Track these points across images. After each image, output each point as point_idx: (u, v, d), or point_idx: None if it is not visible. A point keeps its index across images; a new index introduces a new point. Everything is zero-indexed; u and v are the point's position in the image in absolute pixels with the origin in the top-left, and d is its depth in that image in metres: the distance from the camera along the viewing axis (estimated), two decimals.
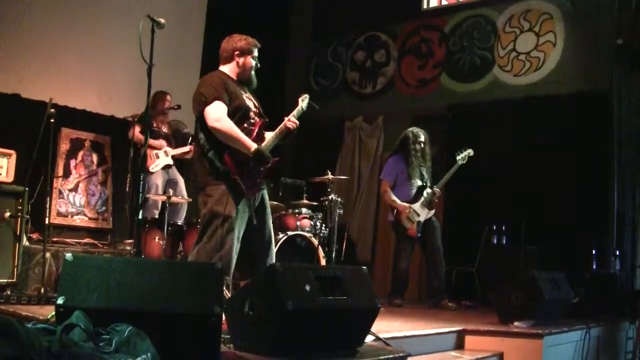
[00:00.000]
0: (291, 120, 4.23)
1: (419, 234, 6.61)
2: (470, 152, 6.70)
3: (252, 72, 4.33)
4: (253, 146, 4.01)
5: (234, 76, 4.26)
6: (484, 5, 8.68)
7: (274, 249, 4.32)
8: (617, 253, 6.97)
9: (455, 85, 8.73)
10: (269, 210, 4.34)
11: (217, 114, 3.99)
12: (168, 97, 6.81)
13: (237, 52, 4.25)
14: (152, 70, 4.02)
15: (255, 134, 4.15)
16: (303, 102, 4.36)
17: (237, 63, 4.26)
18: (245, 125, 4.13)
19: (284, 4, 10.24)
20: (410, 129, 6.92)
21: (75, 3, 7.43)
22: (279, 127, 4.25)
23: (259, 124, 4.20)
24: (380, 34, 9.60)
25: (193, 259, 4.03)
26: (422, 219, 6.61)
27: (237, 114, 4.11)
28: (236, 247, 4.02)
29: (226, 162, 4.01)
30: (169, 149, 6.75)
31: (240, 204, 4.05)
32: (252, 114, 4.21)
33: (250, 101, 4.26)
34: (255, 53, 4.30)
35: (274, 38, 9.75)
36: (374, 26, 9.65)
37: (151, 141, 6.55)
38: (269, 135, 4.27)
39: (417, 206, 6.61)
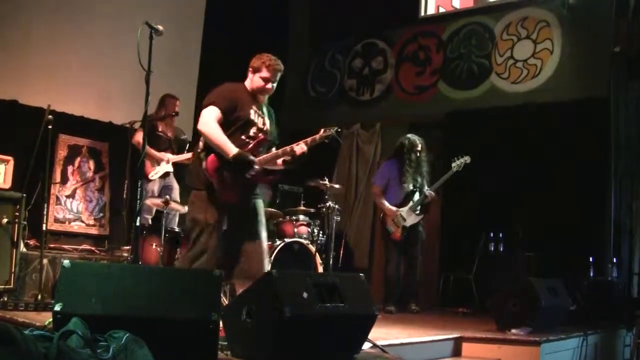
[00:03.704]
0: (300, 146, 4.19)
1: (405, 238, 6.65)
2: (466, 159, 6.70)
3: (263, 92, 4.27)
4: (233, 151, 4.00)
5: (249, 89, 4.29)
6: (481, 13, 8.69)
7: (266, 260, 4.21)
8: (615, 260, 6.97)
9: (452, 92, 8.73)
10: (260, 219, 4.26)
11: (205, 117, 4.06)
12: (177, 102, 6.79)
13: (250, 69, 4.29)
14: (150, 77, 4.03)
15: (250, 147, 4.15)
16: (325, 133, 4.21)
17: (251, 79, 4.28)
18: (244, 137, 4.16)
19: (282, 11, 10.25)
20: (407, 135, 6.95)
21: (74, 10, 7.44)
22: (284, 148, 4.23)
23: (258, 139, 4.21)
24: (378, 41, 9.61)
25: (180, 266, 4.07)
26: (408, 223, 6.65)
27: (237, 123, 4.14)
28: (220, 252, 4.03)
29: (207, 164, 4.05)
30: (170, 156, 6.72)
31: (224, 209, 4.07)
32: (254, 128, 4.21)
33: (259, 117, 4.26)
34: (265, 73, 4.22)
35: (272, 45, 9.72)
36: (372, 33, 9.66)
37: (154, 152, 6.53)
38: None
39: (404, 210, 6.65)
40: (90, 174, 7.45)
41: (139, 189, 4.21)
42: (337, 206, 6.55)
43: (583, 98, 7.48)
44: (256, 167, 4.08)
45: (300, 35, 10.35)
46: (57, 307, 2.66)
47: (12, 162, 5.58)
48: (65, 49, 7.34)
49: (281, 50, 10.18)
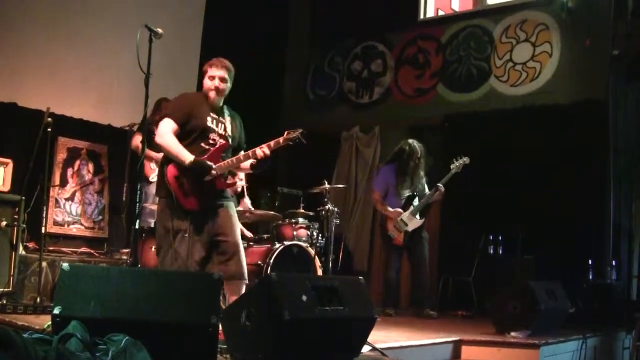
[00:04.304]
0: (262, 149, 4.15)
1: (407, 243, 6.64)
2: (466, 160, 6.66)
3: (213, 91, 4.26)
4: (189, 158, 4.05)
5: (204, 95, 4.31)
6: (480, 16, 8.71)
7: (244, 258, 4.24)
8: (614, 263, 6.97)
9: (451, 95, 8.73)
10: (233, 220, 4.26)
11: (160, 130, 4.14)
12: None
13: (203, 74, 4.34)
14: (149, 80, 4.03)
15: (210, 153, 4.18)
16: (289, 135, 4.11)
17: (203, 83, 4.33)
18: (203, 145, 4.19)
19: (281, 13, 10.25)
20: (408, 141, 6.88)
21: (73, 12, 7.43)
22: (246, 152, 4.23)
23: (219, 146, 4.22)
24: (377, 44, 9.61)
25: None
26: (410, 228, 6.63)
27: (194, 132, 4.19)
28: (195, 256, 4.06)
29: (167, 174, 4.10)
30: None
31: (192, 215, 4.10)
32: (213, 135, 4.24)
33: (218, 124, 4.28)
34: (211, 72, 4.24)
35: (272, 48, 9.78)
36: (371, 36, 9.66)
37: (153, 154, 6.53)
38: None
39: (405, 215, 6.63)
40: (89, 177, 7.44)
41: (138, 192, 4.23)
42: (336, 209, 6.53)
43: (582, 100, 7.49)
44: (213, 172, 4.11)
45: (300, 37, 10.35)
46: (56, 310, 2.65)
47: (11, 165, 5.57)
48: (65, 51, 7.33)
49: (280, 53, 10.26)
